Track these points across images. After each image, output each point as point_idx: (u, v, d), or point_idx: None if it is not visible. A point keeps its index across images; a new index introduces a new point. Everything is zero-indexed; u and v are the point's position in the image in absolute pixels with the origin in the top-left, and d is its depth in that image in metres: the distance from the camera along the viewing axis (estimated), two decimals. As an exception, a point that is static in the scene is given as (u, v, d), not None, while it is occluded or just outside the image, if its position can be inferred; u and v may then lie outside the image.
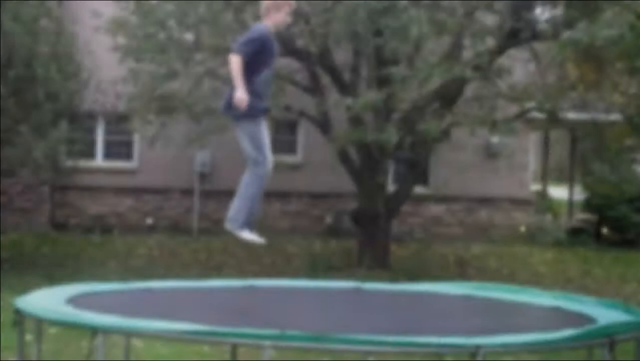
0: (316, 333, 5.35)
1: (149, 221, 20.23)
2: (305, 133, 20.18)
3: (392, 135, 14.06)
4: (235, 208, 7.01)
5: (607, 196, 21.20)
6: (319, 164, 19.83)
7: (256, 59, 6.75)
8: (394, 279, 14.13)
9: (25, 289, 8.33)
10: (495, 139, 20.16)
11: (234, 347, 7.43)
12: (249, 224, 7.05)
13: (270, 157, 7.09)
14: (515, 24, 14.75)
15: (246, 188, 7.02)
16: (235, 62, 6.65)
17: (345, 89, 15.48)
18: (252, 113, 6.85)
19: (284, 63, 16.34)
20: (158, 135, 16.12)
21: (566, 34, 11.38)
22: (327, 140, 15.77)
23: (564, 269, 17.77)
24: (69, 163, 16.52)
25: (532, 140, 22.58)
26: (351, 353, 5.95)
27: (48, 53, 14.78)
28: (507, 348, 5.43)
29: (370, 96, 13.93)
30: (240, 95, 6.61)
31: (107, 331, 5.71)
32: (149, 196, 20.34)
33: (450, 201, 21.14)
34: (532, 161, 23.17)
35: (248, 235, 7.03)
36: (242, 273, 15.80)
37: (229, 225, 7.02)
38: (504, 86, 15.62)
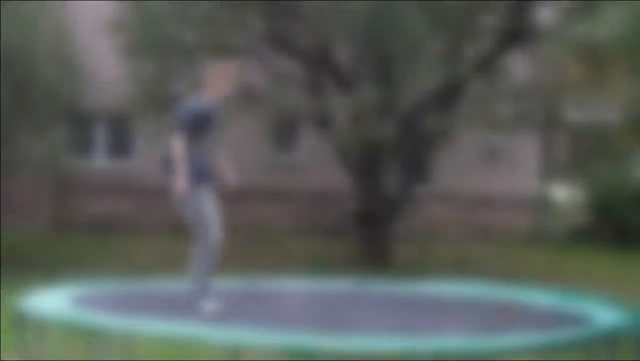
0: (315, 335, 5.35)
1: (149, 221, 20.22)
2: (305, 133, 20.17)
3: (389, 132, 14.05)
4: (191, 288, 6.82)
5: (607, 196, 21.20)
6: (319, 164, 19.83)
7: (194, 132, 6.80)
8: (394, 279, 14.12)
9: (25, 289, 8.33)
10: (495, 139, 20.15)
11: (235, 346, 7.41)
12: (210, 296, 6.79)
13: (216, 231, 6.86)
14: (515, 24, 14.75)
15: (197, 264, 6.84)
16: (178, 148, 6.71)
17: (346, 88, 15.48)
18: (194, 185, 6.81)
19: (284, 63, 16.36)
20: (157, 134, 16.12)
21: (566, 34, 11.39)
22: (327, 140, 15.77)
23: (564, 269, 17.77)
24: (69, 163, 16.53)
25: (532, 140, 22.56)
26: (352, 354, 5.95)
27: (48, 53, 14.79)
28: (507, 348, 5.42)
29: (369, 94, 13.92)
30: (180, 183, 6.68)
31: (107, 331, 5.71)
32: (149, 196, 20.33)
33: (450, 201, 21.14)
34: (532, 161, 23.14)
35: (211, 308, 6.75)
36: (242, 273, 15.79)
37: (191, 308, 6.76)
38: (504, 86, 15.62)
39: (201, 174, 6.88)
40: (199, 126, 6.83)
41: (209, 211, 6.87)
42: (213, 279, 6.92)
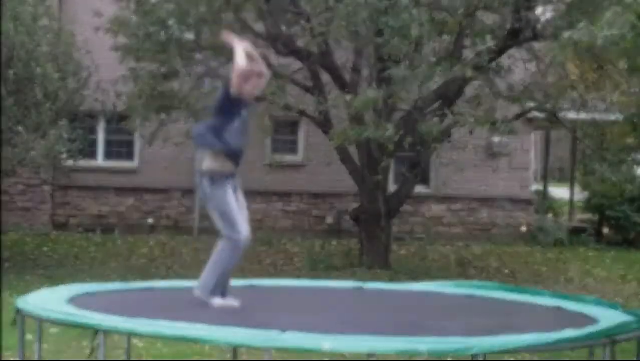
0: (315, 335, 5.35)
1: (150, 220, 20.23)
2: (305, 133, 20.17)
3: (389, 132, 14.03)
4: (205, 276, 6.83)
5: (607, 196, 21.20)
6: (319, 164, 19.82)
7: (228, 111, 6.73)
8: (395, 279, 14.12)
9: (25, 289, 8.34)
10: (495, 139, 20.16)
11: (235, 346, 7.43)
12: (221, 292, 6.84)
13: (246, 231, 6.81)
14: (515, 24, 14.75)
15: (218, 259, 6.85)
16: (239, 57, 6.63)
17: (346, 88, 15.48)
18: (217, 177, 6.82)
19: (284, 63, 16.35)
20: (157, 133, 16.11)
21: (566, 34, 11.36)
22: (328, 139, 15.77)
23: (564, 269, 17.77)
24: (69, 163, 16.53)
25: (532, 140, 22.57)
26: (352, 354, 5.95)
27: (47, 52, 14.78)
28: (507, 349, 5.42)
29: (369, 93, 13.91)
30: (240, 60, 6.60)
31: (107, 331, 5.70)
32: (150, 195, 20.34)
33: (450, 201, 21.14)
34: (533, 161, 23.15)
35: (219, 302, 6.78)
36: (242, 273, 15.78)
37: (197, 292, 6.83)
38: (504, 86, 15.62)
39: (231, 159, 6.80)
40: (233, 106, 6.74)
41: (234, 207, 6.81)
42: (228, 279, 6.91)
